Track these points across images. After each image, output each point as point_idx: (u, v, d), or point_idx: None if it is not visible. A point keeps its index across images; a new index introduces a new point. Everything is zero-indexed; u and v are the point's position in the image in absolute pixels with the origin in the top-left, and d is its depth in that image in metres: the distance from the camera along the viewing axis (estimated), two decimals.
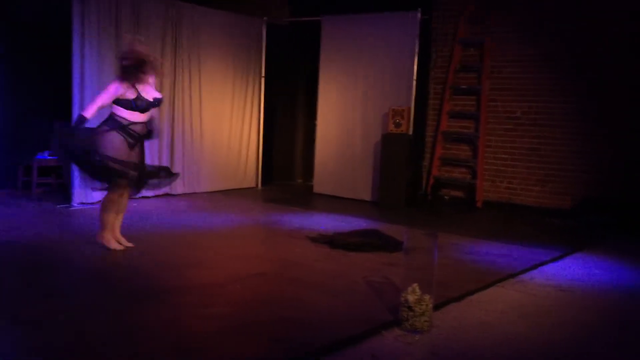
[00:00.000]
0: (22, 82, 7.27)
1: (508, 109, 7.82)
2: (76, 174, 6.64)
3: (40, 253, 4.72)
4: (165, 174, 5.14)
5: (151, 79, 4.84)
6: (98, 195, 6.90)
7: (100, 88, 6.73)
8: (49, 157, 7.27)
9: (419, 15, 7.62)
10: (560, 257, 5.37)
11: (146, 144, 5.04)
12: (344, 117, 8.33)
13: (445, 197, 8.36)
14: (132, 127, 4.73)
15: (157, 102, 4.86)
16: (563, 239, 6.16)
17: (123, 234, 4.95)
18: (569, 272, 4.91)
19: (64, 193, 7.18)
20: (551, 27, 7.45)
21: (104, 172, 4.71)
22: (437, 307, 3.64)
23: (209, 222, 6.01)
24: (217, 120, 8.38)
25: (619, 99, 7.04)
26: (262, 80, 8.95)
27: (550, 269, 5.00)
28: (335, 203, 7.88)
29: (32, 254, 4.70)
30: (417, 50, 7.65)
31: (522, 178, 7.76)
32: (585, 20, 7.21)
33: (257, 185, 9.06)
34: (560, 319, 3.78)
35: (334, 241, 5.35)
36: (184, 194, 7.70)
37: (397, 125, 7.54)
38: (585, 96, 7.26)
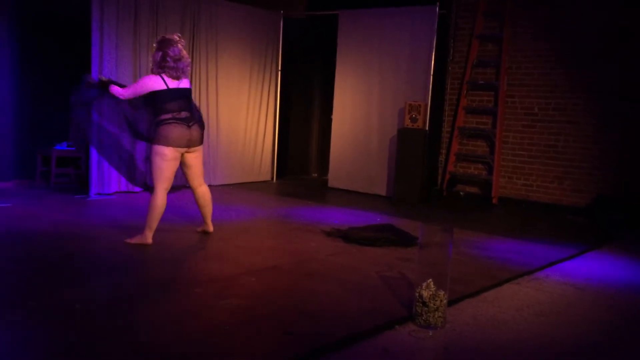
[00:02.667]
0: (41, 73, 7.34)
1: (526, 105, 7.76)
2: (94, 164, 6.72)
3: (58, 243, 4.77)
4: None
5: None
6: (115, 186, 6.99)
7: (118, 79, 6.82)
8: (67, 148, 7.35)
9: (437, 9, 7.57)
10: (577, 255, 5.33)
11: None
12: (359, 111, 8.31)
13: (461, 193, 8.33)
14: None
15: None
16: (579, 236, 6.11)
17: (140, 225, 4.96)
18: (585, 270, 4.87)
19: (82, 184, 7.26)
20: (569, 22, 7.38)
21: None
22: (451, 303, 3.63)
23: (224, 215, 6.04)
24: (233, 114, 8.41)
25: (638, 96, 6.96)
26: (279, 74, 8.96)
27: (566, 266, 4.97)
28: (350, 197, 7.89)
29: (50, 244, 4.75)
30: (434, 45, 7.60)
31: (538, 175, 7.71)
32: (605, 14, 7.13)
33: (272, 178, 9.09)
34: (576, 317, 3.76)
35: (348, 235, 5.36)
36: None
37: (413, 120, 7.51)
38: (604, 93, 7.19)
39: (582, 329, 3.57)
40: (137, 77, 7.02)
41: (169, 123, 4.69)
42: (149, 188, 5.01)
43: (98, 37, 6.60)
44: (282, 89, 9.04)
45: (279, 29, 8.86)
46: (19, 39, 7.09)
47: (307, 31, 9.32)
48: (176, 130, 4.69)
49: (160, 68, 4.73)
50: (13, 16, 7.01)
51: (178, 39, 4.84)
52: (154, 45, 4.86)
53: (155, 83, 4.71)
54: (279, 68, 8.94)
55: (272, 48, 8.83)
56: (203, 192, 5.11)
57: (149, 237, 4.78)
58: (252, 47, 8.52)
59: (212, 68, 8.01)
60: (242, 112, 8.55)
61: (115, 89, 4.91)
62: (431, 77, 7.65)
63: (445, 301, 3.39)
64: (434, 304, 3.34)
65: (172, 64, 4.71)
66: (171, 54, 4.71)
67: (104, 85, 5.01)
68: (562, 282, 4.48)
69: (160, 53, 4.73)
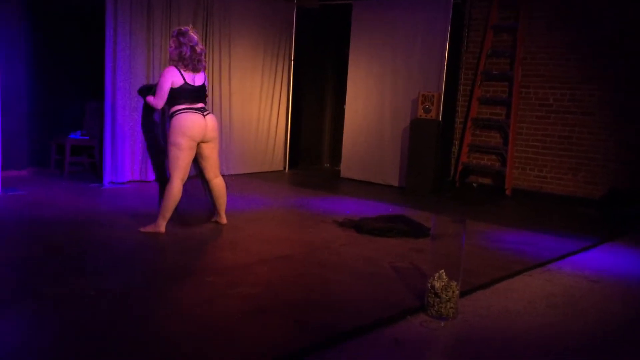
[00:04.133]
0: (56, 62, 7.38)
1: (540, 96, 7.70)
2: (108, 153, 6.77)
3: (72, 231, 4.82)
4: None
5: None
6: (128, 175, 7.03)
7: (131, 69, 6.86)
8: (81, 137, 7.40)
9: None
10: (590, 247, 5.29)
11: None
12: (372, 101, 8.28)
13: (474, 184, 8.29)
14: None
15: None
16: (593, 229, 6.07)
17: (153, 214, 5.00)
18: (598, 262, 4.84)
19: (96, 172, 7.31)
20: (585, 13, 7.28)
21: None
22: (463, 294, 3.62)
23: (236, 205, 6.06)
24: (246, 104, 8.42)
25: None
26: (292, 64, 8.94)
27: (579, 259, 4.94)
28: (363, 188, 7.88)
29: (64, 231, 4.80)
30: (448, 35, 7.54)
31: (552, 166, 7.65)
32: (621, 4, 7.03)
33: (284, 168, 9.09)
34: (588, 309, 3.74)
35: (360, 226, 5.35)
36: None
37: (427, 110, 7.47)
38: (620, 84, 7.10)
39: (594, 321, 3.56)
40: (150, 67, 7.05)
41: (184, 112, 4.70)
42: (161, 180, 5.01)
43: (112, 27, 6.62)
44: (295, 79, 9.02)
45: (292, 19, 8.83)
46: (34, 29, 7.13)
47: (320, 21, 9.28)
48: (191, 120, 4.70)
49: (177, 60, 4.75)
50: (28, 6, 7.05)
51: (192, 29, 4.84)
52: (171, 38, 4.85)
53: (173, 76, 4.72)
54: (292, 58, 8.92)
55: (285, 38, 8.81)
56: (218, 183, 5.12)
57: (162, 226, 4.81)
58: (265, 38, 8.51)
59: (225, 59, 8.01)
60: (255, 102, 8.55)
61: (149, 100, 4.85)
62: (445, 67, 7.59)
63: (457, 292, 3.39)
64: (446, 295, 3.34)
65: (188, 56, 4.72)
66: (187, 45, 4.72)
67: (143, 95, 4.97)
68: (575, 274, 4.46)
69: (176, 45, 4.74)
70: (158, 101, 4.77)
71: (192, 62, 4.75)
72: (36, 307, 3.19)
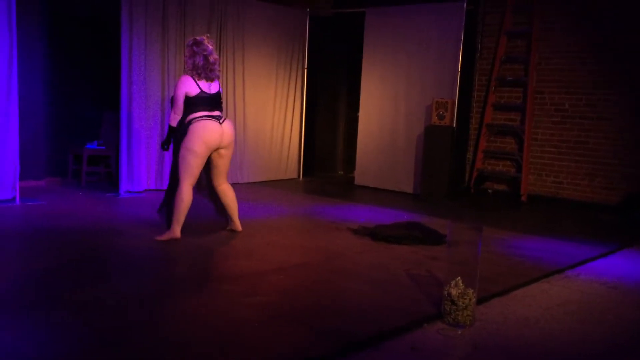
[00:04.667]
0: (73, 73, 7.48)
1: (556, 101, 7.66)
2: (124, 163, 6.83)
3: (89, 240, 4.86)
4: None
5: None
6: (144, 184, 7.09)
7: (146, 80, 6.93)
8: (97, 147, 7.47)
9: (464, 5, 7.50)
10: (608, 254, 5.24)
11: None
12: (386, 108, 8.28)
13: (489, 190, 8.26)
14: None
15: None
16: (610, 234, 6.01)
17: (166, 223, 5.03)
18: (616, 269, 4.79)
19: (112, 182, 7.38)
20: (599, 17, 7.25)
21: None
22: (480, 302, 3.61)
23: (251, 213, 6.08)
24: (260, 112, 8.46)
25: None
26: (305, 71, 8.97)
27: (598, 265, 4.89)
28: (377, 195, 7.87)
29: (82, 240, 4.84)
30: (462, 41, 7.53)
31: (569, 172, 7.60)
32: (637, 7, 6.98)
33: (298, 176, 9.11)
34: (607, 316, 3.70)
35: (375, 233, 5.35)
36: None
37: (441, 117, 7.46)
38: (636, 88, 7.05)
39: (613, 328, 3.52)
40: (165, 77, 7.11)
41: (202, 119, 4.76)
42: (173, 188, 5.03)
43: (127, 37, 6.70)
44: (308, 86, 9.06)
45: (305, 26, 8.87)
46: (51, 41, 7.23)
47: (333, 29, 9.32)
48: (209, 127, 4.75)
49: (191, 70, 4.80)
50: (45, 17, 7.15)
51: (207, 39, 4.90)
52: (187, 47, 4.91)
53: (188, 86, 4.78)
54: (305, 66, 8.96)
55: (299, 46, 8.85)
56: (225, 190, 5.14)
57: (177, 231, 4.85)
58: (278, 46, 8.55)
59: (239, 66, 8.06)
60: (268, 110, 8.59)
61: (171, 116, 4.91)
62: (459, 73, 7.58)
63: (474, 299, 3.37)
64: (463, 303, 3.32)
65: (202, 65, 4.78)
66: (201, 55, 4.78)
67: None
68: (593, 280, 4.42)
69: (190, 54, 4.81)
70: (176, 114, 4.84)
71: (205, 71, 4.81)
72: (56, 314, 3.22)
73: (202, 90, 4.79)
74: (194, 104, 4.78)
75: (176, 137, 4.91)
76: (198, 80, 4.80)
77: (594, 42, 7.31)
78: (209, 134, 4.74)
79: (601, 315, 3.71)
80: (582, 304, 3.89)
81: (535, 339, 3.27)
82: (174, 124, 4.88)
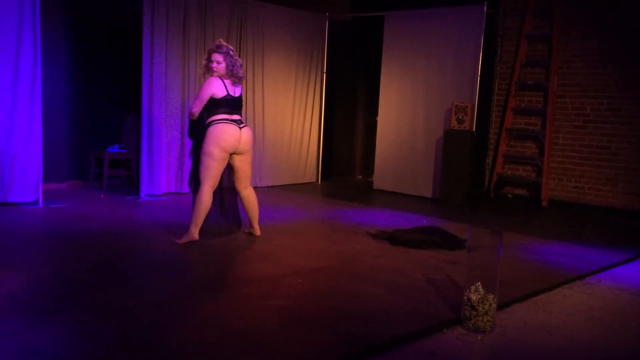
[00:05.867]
0: (96, 77, 7.57)
1: (577, 106, 7.58)
2: (145, 166, 6.89)
3: (110, 243, 4.91)
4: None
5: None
6: (164, 187, 7.15)
7: (167, 83, 6.99)
8: (119, 150, 7.55)
9: (484, 9, 7.46)
10: (630, 260, 5.16)
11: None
12: (405, 113, 8.26)
13: (509, 195, 8.19)
14: None
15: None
16: (633, 240, 5.92)
17: (188, 226, 5.05)
18: (639, 275, 4.72)
19: (133, 185, 7.45)
20: (621, 19, 7.16)
21: None
22: (500, 307, 3.57)
23: (270, 216, 6.10)
24: (279, 116, 8.49)
25: None
26: (324, 76, 8.99)
27: (620, 271, 4.82)
28: (396, 199, 7.85)
29: (103, 243, 4.89)
30: (482, 45, 7.49)
31: (590, 177, 7.51)
32: None
33: (317, 180, 9.12)
34: (629, 323, 3.65)
35: (394, 237, 5.33)
36: None
37: (460, 121, 7.42)
38: None
39: (635, 335, 3.47)
40: (185, 81, 7.17)
41: (221, 123, 4.80)
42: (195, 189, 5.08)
43: (149, 41, 6.77)
44: (327, 90, 9.07)
45: (325, 31, 8.89)
46: (74, 44, 7.33)
47: (352, 33, 9.33)
48: (227, 131, 4.80)
49: (224, 74, 4.87)
50: (69, 22, 7.26)
51: (225, 42, 4.99)
52: (218, 53, 4.94)
53: (217, 88, 4.84)
54: (324, 70, 8.98)
55: (318, 50, 8.87)
56: (248, 194, 5.18)
57: (195, 233, 4.90)
58: (297, 50, 8.58)
59: (258, 70, 8.10)
60: (287, 114, 8.62)
61: (190, 109, 4.98)
62: (478, 77, 7.54)
63: (494, 305, 3.34)
64: (483, 308, 3.30)
65: (233, 69, 4.86)
66: (234, 58, 4.89)
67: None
68: (615, 287, 4.36)
69: (224, 59, 4.87)
70: (195, 108, 4.87)
71: (236, 76, 4.90)
72: (77, 317, 3.26)
73: (228, 93, 4.86)
74: (217, 105, 4.83)
75: (196, 136, 4.95)
76: (226, 83, 4.87)
77: (615, 46, 7.23)
78: (226, 137, 4.79)
79: (624, 322, 3.66)
80: (605, 310, 3.84)
81: (556, 345, 3.23)
82: (193, 118, 4.92)
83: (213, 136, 4.78)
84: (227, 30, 7.56)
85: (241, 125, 4.92)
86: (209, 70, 4.89)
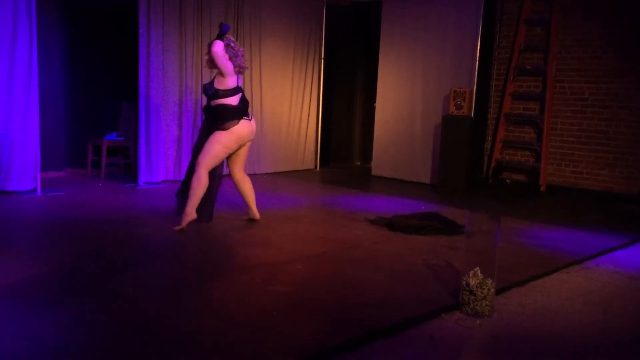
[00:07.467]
0: (92, 64, 7.54)
1: (575, 90, 7.56)
2: (143, 154, 6.88)
3: (109, 230, 4.91)
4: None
5: None
6: (162, 175, 7.14)
7: (164, 71, 6.96)
8: (116, 138, 7.53)
9: None
10: (628, 244, 5.18)
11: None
12: (403, 98, 8.25)
13: (507, 180, 8.19)
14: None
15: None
16: (631, 225, 5.94)
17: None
18: (637, 259, 4.74)
19: (131, 172, 7.44)
20: (620, 4, 7.13)
21: None
22: (499, 292, 3.59)
23: (269, 203, 6.10)
24: (276, 102, 8.47)
25: None
26: (322, 62, 8.95)
27: (618, 255, 4.84)
28: (394, 185, 7.85)
29: (102, 231, 4.89)
30: (480, 30, 7.46)
31: (588, 162, 7.51)
32: None
33: (315, 167, 9.12)
34: (628, 307, 3.67)
35: (393, 223, 5.34)
36: None
37: (458, 107, 7.40)
38: None
39: (633, 319, 3.49)
40: (182, 66, 7.16)
41: (244, 120, 4.94)
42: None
43: (145, 28, 6.73)
44: (325, 77, 9.04)
45: (322, 16, 8.85)
46: (70, 33, 7.29)
47: (350, 18, 9.28)
48: (246, 129, 4.96)
49: (236, 67, 4.91)
50: (64, 9, 7.21)
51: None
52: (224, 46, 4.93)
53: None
54: (322, 57, 8.94)
55: (315, 36, 8.83)
56: (243, 178, 5.25)
57: (192, 213, 4.93)
58: (295, 36, 8.54)
59: (255, 58, 8.06)
60: (285, 101, 8.60)
61: (222, 85, 4.94)
62: (477, 62, 7.52)
63: (492, 290, 3.35)
64: (482, 293, 3.31)
65: (239, 60, 4.91)
66: (238, 50, 4.92)
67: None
68: (614, 271, 4.38)
69: (235, 54, 4.91)
70: (230, 79, 4.85)
71: (239, 66, 4.94)
72: (77, 304, 3.26)
73: (238, 85, 4.96)
74: (233, 95, 4.90)
75: (214, 115, 4.93)
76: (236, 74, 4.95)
77: (614, 30, 7.20)
78: (245, 134, 4.97)
79: (623, 306, 3.67)
80: (603, 294, 3.86)
81: (555, 329, 3.25)
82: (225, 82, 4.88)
83: (235, 134, 4.90)
84: (224, 17, 7.51)
85: (251, 119, 5.06)
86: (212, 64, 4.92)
